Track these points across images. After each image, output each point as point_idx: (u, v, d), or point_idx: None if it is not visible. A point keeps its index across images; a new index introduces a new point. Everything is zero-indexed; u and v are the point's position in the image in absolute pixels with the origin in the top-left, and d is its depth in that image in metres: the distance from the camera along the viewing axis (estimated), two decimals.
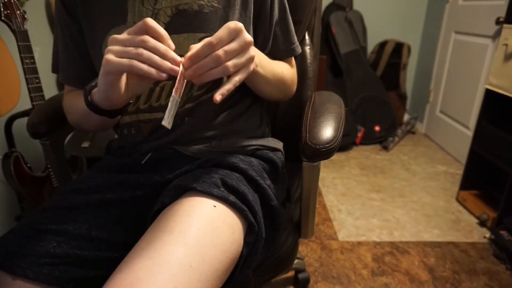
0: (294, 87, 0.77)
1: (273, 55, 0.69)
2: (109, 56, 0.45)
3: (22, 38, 1.12)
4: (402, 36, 2.65)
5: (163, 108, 0.64)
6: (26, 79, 1.14)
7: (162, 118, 0.64)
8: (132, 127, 0.68)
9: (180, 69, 0.46)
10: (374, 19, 2.61)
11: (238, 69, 0.49)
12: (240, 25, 0.48)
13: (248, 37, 0.49)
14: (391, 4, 2.60)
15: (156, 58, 0.45)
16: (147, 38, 0.45)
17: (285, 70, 0.71)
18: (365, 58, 2.55)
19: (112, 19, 0.62)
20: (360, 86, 2.47)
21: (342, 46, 2.45)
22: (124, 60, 0.45)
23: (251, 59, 0.50)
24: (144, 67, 0.45)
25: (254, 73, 0.59)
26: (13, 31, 1.10)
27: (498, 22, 1.69)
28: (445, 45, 2.33)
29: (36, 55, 1.17)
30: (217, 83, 0.65)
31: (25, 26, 1.12)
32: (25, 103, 1.23)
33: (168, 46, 0.46)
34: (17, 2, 1.10)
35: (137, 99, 0.65)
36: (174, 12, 0.61)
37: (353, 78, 2.47)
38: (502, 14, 1.55)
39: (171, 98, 0.47)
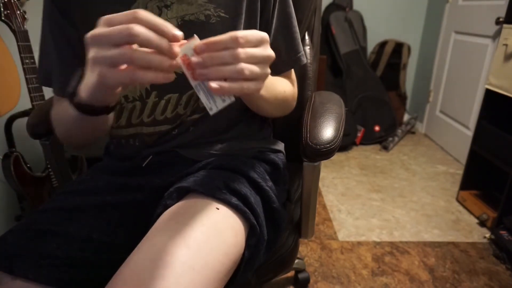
0: (294, 103, 0.73)
1: (275, 66, 0.65)
2: (103, 70, 0.39)
3: (22, 38, 1.12)
4: (402, 36, 2.65)
5: (168, 121, 0.63)
6: (26, 79, 1.14)
7: (166, 131, 0.63)
8: (136, 139, 0.66)
9: (189, 54, 0.41)
10: (374, 19, 2.60)
11: (251, 79, 0.43)
12: (268, 37, 0.45)
13: (272, 52, 0.45)
14: (391, 4, 2.59)
15: (154, 58, 0.38)
16: (137, 30, 0.37)
17: (287, 89, 0.67)
18: (365, 58, 2.55)
19: None
20: (360, 86, 2.47)
21: (342, 46, 2.45)
22: (124, 75, 0.39)
23: (266, 76, 0.46)
24: (150, 76, 0.39)
25: (257, 95, 0.56)
26: (13, 31, 1.10)
27: (498, 22, 1.69)
28: (445, 45, 2.33)
29: (36, 55, 1.16)
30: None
31: (25, 26, 1.12)
32: (25, 103, 1.23)
33: (173, 37, 0.39)
34: (17, 2, 1.10)
35: (140, 112, 0.63)
36: (180, 23, 0.58)
37: (353, 78, 2.47)
38: (502, 14, 1.54)
39: (194, 88, 0.42)
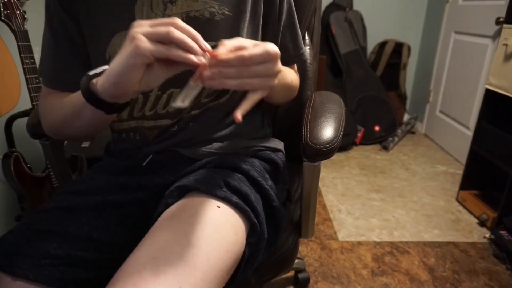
0: (296, 92, 0.78)
1: (283, 60, 0.68)
2: (141, 39, 0.41)
3: (22, 38, 1.12)
4: (402, 36, 2.65)
5: (170, 115, 0.64)
6: (26, 79, 1.14)
7: (166, 126, 0.64)
8: (137, 133, 0.66)
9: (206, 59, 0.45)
10: (374, 19, 2.61)
11: (254, 89, 0.48)
12: (278, 52, 0.47)
13: (279, 67, 0.48)
14: (391, 4, 2.60)
15: (189, 40, 0.42)
16: (176, 23, 0.43)
17: (294, 78, 0.73)
18: (365, 58, 2.55)
19: (118, 23, 0.58)
20: (360, 86, 2.47)
21: (342, 46, 2.45)
22: (159, 47, 0.42)
23: (269, 88, 0.49)
24: (181, 53, 0.42)
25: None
26: (13, 31, 1.10)
27: (498, 22, 1.69)
28: (445, 45, 2.33)
29: (36, 55, 1.17)
30: (226, 90, 0.66)
31: (25, 26, 1.12)
32: (25, 103, 1.23)
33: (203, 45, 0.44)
34: (17, 2, 1.10)
35: (143, 105, 0.63)
36: (185, 20, 0.58)
37: (353, 78, 2.47)
38: (502, 14, 1.55)
39: (187, 86, 0.46)
